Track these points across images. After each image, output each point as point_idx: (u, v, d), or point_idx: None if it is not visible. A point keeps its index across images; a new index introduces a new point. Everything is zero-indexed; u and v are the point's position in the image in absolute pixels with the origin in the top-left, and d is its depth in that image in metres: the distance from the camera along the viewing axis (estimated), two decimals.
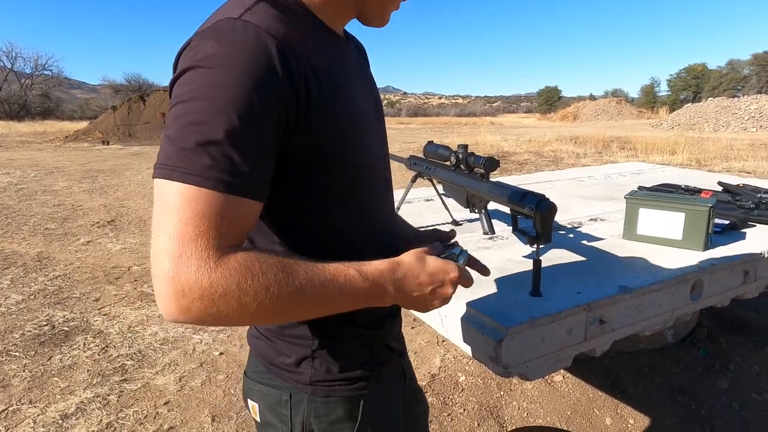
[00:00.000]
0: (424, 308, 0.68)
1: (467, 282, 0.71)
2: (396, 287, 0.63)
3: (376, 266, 0.62)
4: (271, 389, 0.74)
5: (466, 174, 1.46)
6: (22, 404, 2.10)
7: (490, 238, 1.73)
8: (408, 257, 0.65)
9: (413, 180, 1.74)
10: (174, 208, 0.51)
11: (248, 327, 0.82)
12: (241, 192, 0.54)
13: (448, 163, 1.54)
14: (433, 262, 0.66)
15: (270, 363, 0.75)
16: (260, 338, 0.77)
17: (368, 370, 0.75)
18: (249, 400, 0.79)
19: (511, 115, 61.23)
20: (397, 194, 2.18)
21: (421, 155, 1.71)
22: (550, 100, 53.30)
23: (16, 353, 2.53)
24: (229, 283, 0.51)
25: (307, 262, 0.58)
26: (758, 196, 2.03)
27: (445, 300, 0.68)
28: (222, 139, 0.52)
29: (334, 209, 0.68)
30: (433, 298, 0.67)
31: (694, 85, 42.83)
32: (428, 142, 1.65)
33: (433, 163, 1.63)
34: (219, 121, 0.52)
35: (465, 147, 1.47)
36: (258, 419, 0.78)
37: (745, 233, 1.77)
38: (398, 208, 1.73)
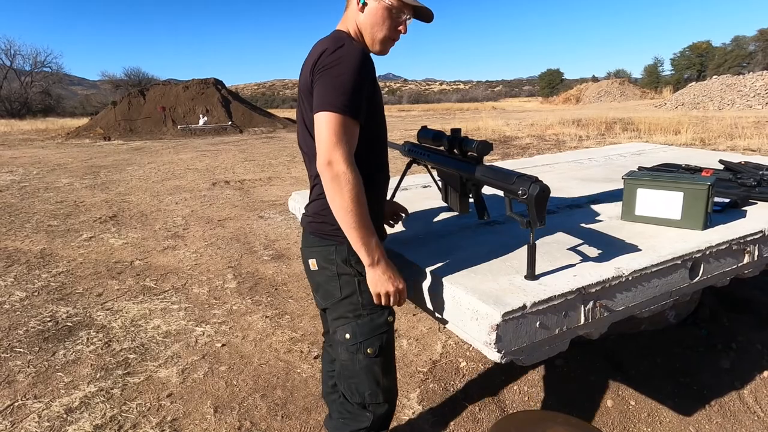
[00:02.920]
0: (377, 286, 1.19)
1: (402, 299, 1.23)
2: (378, 263, 1.17)
3: (382, 248, 1.19)
4: (323, 247, 1.26)
5: (460, 158, 1.44)
6: (27, 399, 2.12)
7: (485, 222, 1.72)
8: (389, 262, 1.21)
9: (408, 166, 1.72)
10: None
11: (303, 214, 1.34)
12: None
13: (441, 148, 1.52)
14: (393, 271, 1.21)
15: (321, 232, 1.26)
16: (315, 219, 1.27)
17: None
18: (309, 260, 1.30)
19: (513, 99, 60.70)
20: (393, 182, 2.15)
21: (414, 141, 1.69)
22: (552, 83, 52.76)
23: (21, 349, 2.55)
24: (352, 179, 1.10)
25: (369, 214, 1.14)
26: (760, 173, 2.00)
27: (389, 289, 1.19)
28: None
29: (376, 144, 1.27)
30: (386, 284, 1.19)
31: (699, 64, 42.23)
32: (421, 127, 1.63)
33: (426, 148, 1.61)
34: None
35: (458, 131, 1.44)
36: (316, 268, 1.28)
37: (746, 211, 1.75)
38: (393, 196, 1.71)
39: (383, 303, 1.21)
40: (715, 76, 22.51)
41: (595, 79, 46.46)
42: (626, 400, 1.97)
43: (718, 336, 2.37)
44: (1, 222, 5.24)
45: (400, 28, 1.23)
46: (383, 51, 1.25)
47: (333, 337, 1.31)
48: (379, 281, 1.18)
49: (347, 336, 1.25)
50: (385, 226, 1.75)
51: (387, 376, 1.30)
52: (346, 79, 1.09)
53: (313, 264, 1.28)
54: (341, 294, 1.25)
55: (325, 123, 1.09)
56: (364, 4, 1.20)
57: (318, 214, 1.25)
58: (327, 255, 1.25)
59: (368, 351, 1.25)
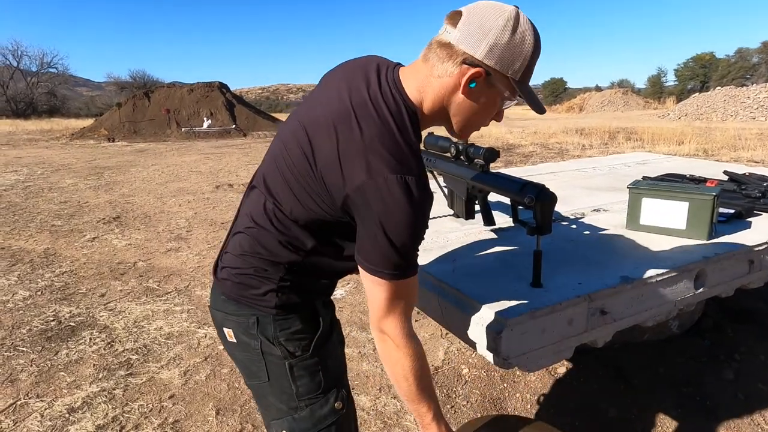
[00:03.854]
0: None
1: None
2: None
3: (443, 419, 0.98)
4: (240, 316, 0.96)
5: (466, 165, 1.45)
6: (29, 398, 2.12)
7: (491, 230, 1.72)
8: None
9: None
10: None
11: (217, 267, 1.04)
12: None
13: (448, 154, 1.53)
14: None
15: (240, 296, 0.96)
16: (232, 278, 0.97)
17: (318, 299, 1.04)
18: (224, 329, 1.00)
19: (517, 107, 60.74)
20: None
21: (421, 147, 1.70)
22: (555, 92, 52.86)
23: (24, 348, 2.56)
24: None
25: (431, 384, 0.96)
26: (765, 185, 2.00)
27: None
28: None
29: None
30: None
31: (702, 75, 42.30)
32: (428, 133, 1.64)
33: (433, 154, 1.61)
34: None
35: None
36: (234, 340, 0.99)
37: (750, 222, 1.75)
38: None
39: None
40: (718, 88, 22.53)
41: (598, 89, 46.55)
42: (629, 410, 1.97)
43: (722, 347, 2.36)
44: (6, 221, 5.26)
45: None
46: (465, 137, 0.97)
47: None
48: None
49: None
50: None
51: None
52: (407, 240, 0.81)
53: (229, 335, 0.99)
54: (268, 378, 0.98)
55: (379, 287, 0.86)
56: (472, 88, 0.85)
57: (239, 272, 0.96)
58: (246, 327, 0.96)
59: None
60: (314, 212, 0.88)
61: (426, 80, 0.87)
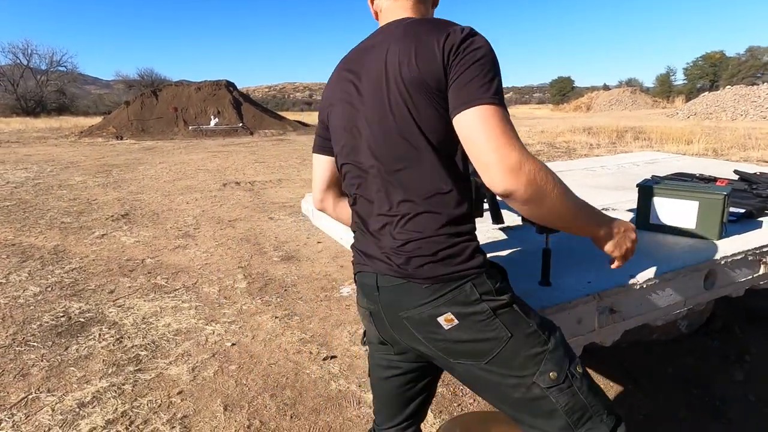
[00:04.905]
0: (621, 248, 1.01)
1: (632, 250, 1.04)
2: (611, 222, 1.00)
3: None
4: (455, 291, 0.92)
5: None
6: (40, 393, 2.15)
7: (500, 228, 1.72)
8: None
9: None
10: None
11: (392, 264, 0.96)
12: None
13: None
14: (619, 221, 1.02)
15: (450, 274, 0.92)
16: (434, 260, 0.92)
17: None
18: (438, 319, 0.92)
19: (524, 106, 60.58)
20: None
21: None
22: (563, 91, 52.60)
23: (35, 343, 2.59)
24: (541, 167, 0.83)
25: None
26: None
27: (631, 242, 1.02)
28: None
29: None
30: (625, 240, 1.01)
31: (712, 74, 41.92)
32: None
33: None
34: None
35: None
36: (455, 322, 0.92)
37: (761, 222, 1.73)
38: None
39: (623, 263, 1.04)
40: (728, 87, 22.32)
41: (606, 88, 46.29)
42: (637, 410, 1.96)
43: (731, 347, 2.35)
44: (16, 218, 5.32)
45: None
46: None
47: (515, 399, 0.94)
48: (620, 240, 1.00)
49: (554, 374, 0.92)
50: None
51: (593, 384, 0.98)
52: (496, 69, 0.88)
53: (448, 320, 0.92)
54: (509, 333, 0.92)
55: (491, 118, 0.83)
56: None
57: (438, 249, 0.93)
58: (466, 298, 0.92)
59: (578, 370, 0.94)
60: (437, 119, 0.91)
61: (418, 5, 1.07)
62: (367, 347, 1.17)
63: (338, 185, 1.18)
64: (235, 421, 1.96)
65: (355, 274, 1.10)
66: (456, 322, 0.92)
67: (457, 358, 0.95)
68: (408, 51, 0.91)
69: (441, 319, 0.92)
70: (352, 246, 1.11)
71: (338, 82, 1.05)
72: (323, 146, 1.14)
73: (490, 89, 0.85)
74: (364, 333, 1.19)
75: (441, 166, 0.92)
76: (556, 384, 0.91)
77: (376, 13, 1.09)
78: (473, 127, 0.84)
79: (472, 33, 0.90)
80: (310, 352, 2.48)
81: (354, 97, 1.00)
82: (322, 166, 1.17)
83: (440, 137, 0.91)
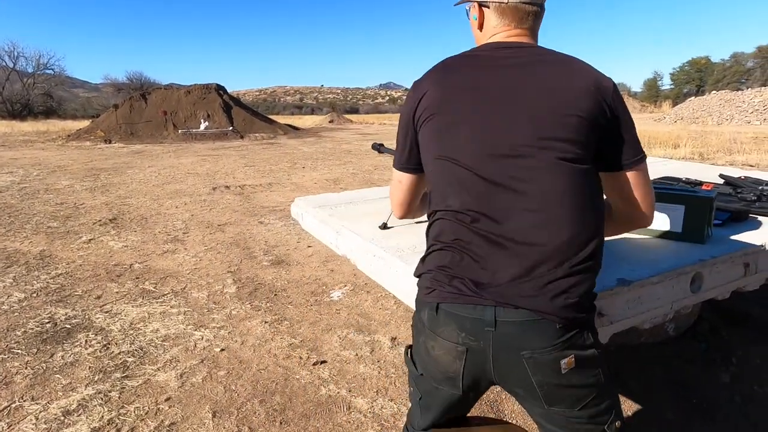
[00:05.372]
0: None
1: None
2: None
3: None
4: (579, 334, 0.91)
5: None
6: (24, 401, 2.11)
7: None
8: None
9: None
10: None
11: (550, 307, 0.89)
12: None
13: None
14: None
15: (583, 319, 0.92)
16: (582, 303, 0.91)
17: None
18: (563, 361, 0.89)
19: None
20: (383, 190, 2.15)
21: None
22: None
23: (19, 350, 2.55)
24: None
25: None
26: (760, 188, 2.01)
27: None
28: None
29: None
30: None
31: (698, 79, 42.60)
32: None
33: None
34: None
35: None
36: (573, 366, 0.90)
37: (746, 225, 1.76)
38: None
39: None
40: (714, 92, 22.69)
41: None
42: (625, 412, 1.97)
43: (718, 350, 2.37)
44: (1, 223, 5.23)
45: None
46: None
47: None
48: None
49: (619, 424, 0.97)
50: (385, 230, 1.76)
51: None
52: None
53: (569, 363, 0.90)
54: (603, 380, 0.94)
55: (646, 171, 1.00)
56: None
57: (582, 297, 0.91)
58: (584, 341, 0.91)
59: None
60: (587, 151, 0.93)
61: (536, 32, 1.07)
62: (415, 371, 1.05)
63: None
64: (224, 427, 1.94)
65: (438, 304, 0.95)
66: (574, 365, 0.90)
67: (553, 404, 0.93)
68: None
69: (564, 362, 0.89)
70: (441, 271, 0.96)
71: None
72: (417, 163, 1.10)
73: None
74: (410, 350, 1.08)
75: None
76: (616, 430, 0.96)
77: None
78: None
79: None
80: (300, 357, 2.47)
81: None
82: (419, 183, 1.15)
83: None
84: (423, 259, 1.03)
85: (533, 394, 0.93)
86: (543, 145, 0.89)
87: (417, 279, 1.03)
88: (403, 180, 1.14)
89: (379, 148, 1.88)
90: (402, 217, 1.24)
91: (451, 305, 0.93)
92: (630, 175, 0.98)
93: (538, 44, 1.03)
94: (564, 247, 0.89)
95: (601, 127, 0.92)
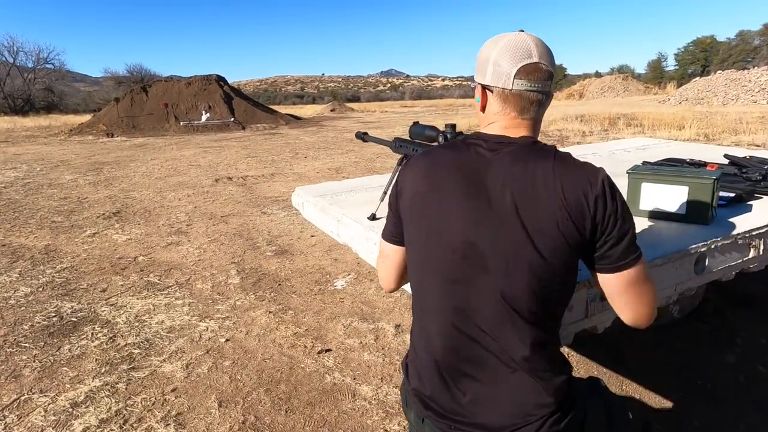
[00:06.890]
0: None
1: None
2: None
3: None
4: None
5: None
6: (33, 393, 2.14)
7: None
8: None
9: (399, 163, 1.70)
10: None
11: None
12: None
13: (435, 143, 1.51)
14: None
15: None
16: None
17: None
18: None
19: None
20: (384, 178, 2.14)
21: (406, 137, 1.66)
22: (554, 79, 52.48)
23: (26, 344, 2.57)
24: None
25: None
26: (765, 167, 1.98)
27: None
28: None
29: None
30: None
31: (703, 59, 42.00)
32: (414, 123, 1.60)
33: (419, 144, 1.59)
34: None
35: (453, 126, 1.43)
36: None
37: (751, 206, 1.74)
38: (385, 194, 1.70)
39: None
40: (719, 72, 22.35)
41: (598, 75, 46.25)
42: (630, 394, 1.97)
43: (722, 331, 2.36)
44: (6, 218, 5.26)
45: None
46: None
47: None
48: None
49: None
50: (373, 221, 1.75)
51: None
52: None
53: None
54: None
55: (643, 275, 0.97)
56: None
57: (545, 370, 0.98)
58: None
59: None
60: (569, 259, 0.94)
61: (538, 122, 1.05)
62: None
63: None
64: (230, 417, 1.96)
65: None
66: None
67: None
68: None
69: None
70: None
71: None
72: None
73: None
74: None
75: None
76: None
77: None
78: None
79: None
80: (305, 346, 2.48)
81: None
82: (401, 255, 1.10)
83: None
84: None
85: None
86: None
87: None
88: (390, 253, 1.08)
89: (363, 136, 1.90)
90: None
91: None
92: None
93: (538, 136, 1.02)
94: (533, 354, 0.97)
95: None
